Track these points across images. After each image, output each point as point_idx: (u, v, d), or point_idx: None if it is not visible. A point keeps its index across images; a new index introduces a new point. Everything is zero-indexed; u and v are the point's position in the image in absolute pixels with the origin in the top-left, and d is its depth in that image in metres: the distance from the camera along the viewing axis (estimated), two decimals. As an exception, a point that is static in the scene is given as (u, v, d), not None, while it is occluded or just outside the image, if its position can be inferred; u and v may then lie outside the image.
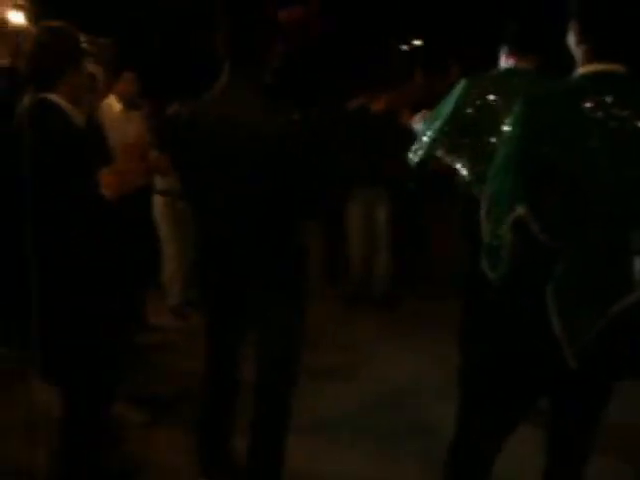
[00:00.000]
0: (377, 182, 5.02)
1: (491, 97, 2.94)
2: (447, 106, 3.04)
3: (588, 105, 1.84)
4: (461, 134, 2.98)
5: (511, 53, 3.04)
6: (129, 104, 4.32)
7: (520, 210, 1.85)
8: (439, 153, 3.01)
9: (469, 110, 2.97)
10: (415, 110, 5.16)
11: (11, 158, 2.51)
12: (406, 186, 5.02)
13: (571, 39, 1.98)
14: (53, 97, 2.46)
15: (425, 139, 3.07)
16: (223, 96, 2.34)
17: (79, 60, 2.53)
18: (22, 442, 3.01)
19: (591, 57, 1.92)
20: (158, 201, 4.56)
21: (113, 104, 4.24)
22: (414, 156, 3.08)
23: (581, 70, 1.94)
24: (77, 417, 2.65)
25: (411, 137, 3.28)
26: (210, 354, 2.66)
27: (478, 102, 2.96)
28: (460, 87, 3.01)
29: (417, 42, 14.65)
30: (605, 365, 1.90)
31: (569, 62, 2.03)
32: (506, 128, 1.97)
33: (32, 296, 2.49)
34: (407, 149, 3.15)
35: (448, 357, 3.30)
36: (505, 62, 3.08)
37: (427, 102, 5.27)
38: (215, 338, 2.62)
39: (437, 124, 3.04)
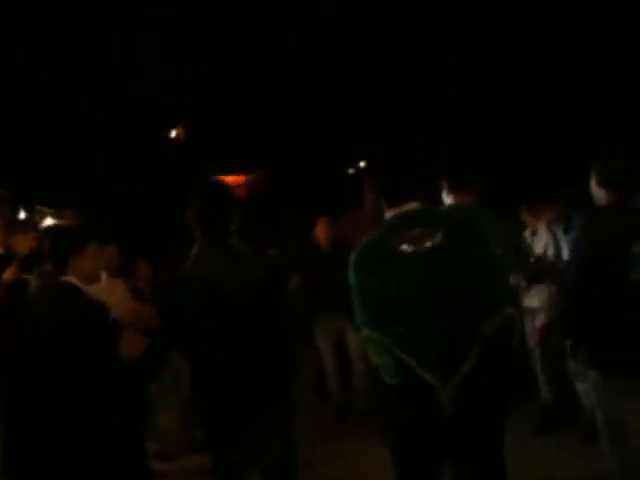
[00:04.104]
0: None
1: None
2: None
3: (393, 240, 2.57)
4: None
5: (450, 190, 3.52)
6: (112, 273, 4.78)
7: (365, 331, 2.59)
8: None
9: None
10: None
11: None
12: None
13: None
14: (69, 279, 2.87)
15: None
16: (204, 260, 2.88)
17: (86, 244, 2.98)
18: None
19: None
20: None
21: (98, 273, 4.68)
22: None
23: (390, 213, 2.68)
24: None
25: None
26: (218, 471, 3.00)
27: None
28: None
29: (362, 164, 14.97)
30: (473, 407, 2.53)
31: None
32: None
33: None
34: None
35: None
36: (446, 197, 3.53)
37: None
38: (222, 456, 2.97)
39: None
